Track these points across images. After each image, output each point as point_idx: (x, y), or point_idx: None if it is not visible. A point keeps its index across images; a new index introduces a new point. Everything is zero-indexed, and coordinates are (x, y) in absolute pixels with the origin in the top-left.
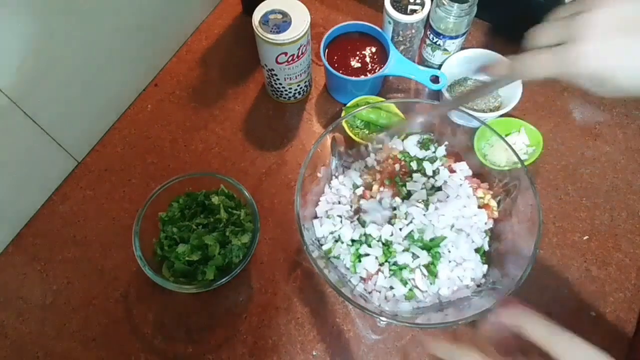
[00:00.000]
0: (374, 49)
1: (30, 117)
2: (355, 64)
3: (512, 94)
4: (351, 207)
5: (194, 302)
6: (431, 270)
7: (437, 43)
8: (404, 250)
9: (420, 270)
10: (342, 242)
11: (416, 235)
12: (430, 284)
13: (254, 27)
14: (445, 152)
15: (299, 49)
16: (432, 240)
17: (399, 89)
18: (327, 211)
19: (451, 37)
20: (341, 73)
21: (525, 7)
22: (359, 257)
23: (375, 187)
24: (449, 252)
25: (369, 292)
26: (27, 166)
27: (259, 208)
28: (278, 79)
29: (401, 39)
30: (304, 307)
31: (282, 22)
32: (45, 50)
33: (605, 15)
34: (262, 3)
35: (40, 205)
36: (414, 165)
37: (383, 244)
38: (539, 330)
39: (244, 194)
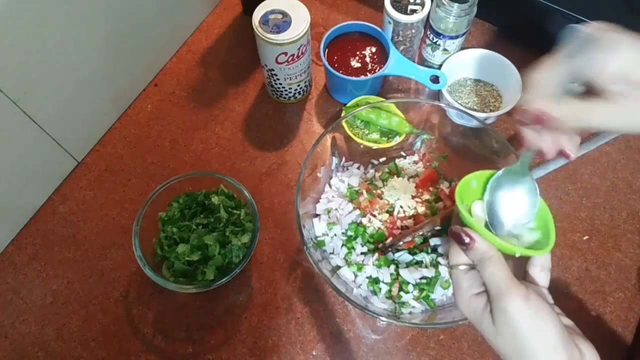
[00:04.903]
0: (374, 49)
1: (30, 117)
2: (355, 64)
3: (512, 94)
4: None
5: (194, 302)
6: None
7: (437, 43)
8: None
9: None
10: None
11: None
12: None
13: (254, 27)
14: None
15: (299, 49)
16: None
17: (399, 89)
18: (326, 209)
19: (451, 37)
20: (341, 73)
21: (525, 7)
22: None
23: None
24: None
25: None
26: (27, 166)
27: (259, 208)
28: (278, 79)
29: (401, 39)
30: (304, 307)
31: (282, 22)
32: (45, 50)
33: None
34: (262, 3)
35: (40, 205)
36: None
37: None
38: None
39: (244, 194)
